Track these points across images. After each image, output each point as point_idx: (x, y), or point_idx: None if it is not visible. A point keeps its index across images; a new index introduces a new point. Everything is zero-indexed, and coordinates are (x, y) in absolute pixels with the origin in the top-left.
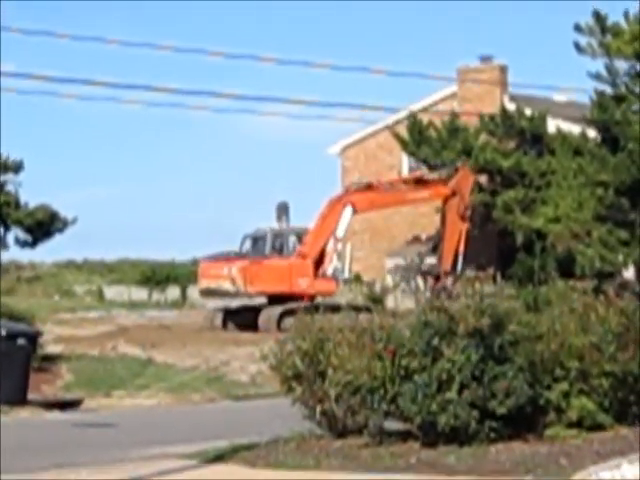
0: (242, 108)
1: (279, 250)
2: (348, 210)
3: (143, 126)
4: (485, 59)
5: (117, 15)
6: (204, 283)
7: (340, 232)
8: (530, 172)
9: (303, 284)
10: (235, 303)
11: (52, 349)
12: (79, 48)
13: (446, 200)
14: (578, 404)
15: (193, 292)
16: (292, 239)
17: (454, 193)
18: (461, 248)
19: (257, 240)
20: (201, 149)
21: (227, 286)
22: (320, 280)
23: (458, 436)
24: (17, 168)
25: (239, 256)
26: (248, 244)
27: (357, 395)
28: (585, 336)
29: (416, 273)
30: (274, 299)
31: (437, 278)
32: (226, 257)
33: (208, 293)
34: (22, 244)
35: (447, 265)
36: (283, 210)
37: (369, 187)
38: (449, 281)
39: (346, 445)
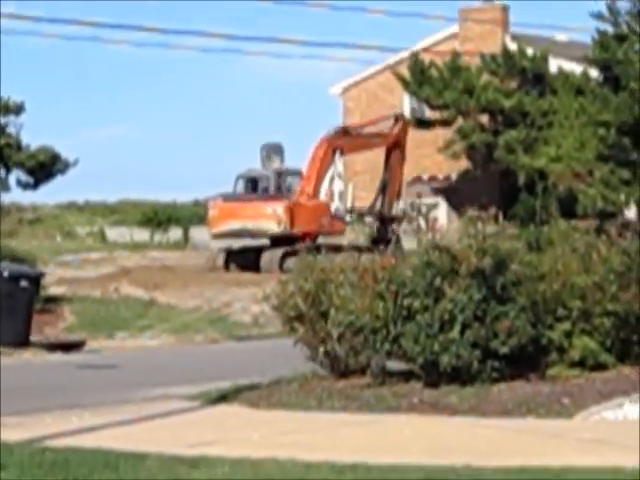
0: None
1: (277, 190)
2: (337, 153)
3: (142, 68)
4: None
5: None
6: (234, 224)
7: (336, 173)
8: (532, 112)
9: (325, 223)
10: (237, 244)
11: (54, 291)
12: None
13: (390, 149)
14: (580, 344)
15: (195, 233)
16: (289, 180)
17: (396, 143)
18: (401, 194)
19: (249, 181)
20: (201, 91)
21: (270, 226)
22: (334, 220)
23: (460, 376)
24: (18, 110)
25: (268, 196)
26: (241, 185)
27: (359, 335)
28: (587, 276)
29: (370, 216)
30: (276, 240)
31: (382, 221)
32: (259, 197)
33: (237, 234)
34: (24, 186)
35: (392, 209)
36: (276, 151)
37: (345, 132)
38: (394, 224)
39: (349, 385)
